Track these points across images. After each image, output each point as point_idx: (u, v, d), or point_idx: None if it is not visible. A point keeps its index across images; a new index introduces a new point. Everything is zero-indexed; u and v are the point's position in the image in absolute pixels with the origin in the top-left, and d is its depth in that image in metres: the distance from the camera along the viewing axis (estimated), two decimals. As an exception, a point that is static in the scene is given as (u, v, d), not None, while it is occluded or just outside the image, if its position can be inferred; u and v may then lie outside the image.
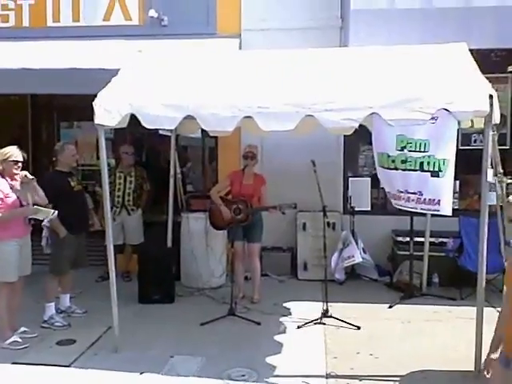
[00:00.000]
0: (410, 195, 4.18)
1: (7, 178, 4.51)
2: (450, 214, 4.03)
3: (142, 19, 6.84)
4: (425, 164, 4.02)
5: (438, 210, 4.06)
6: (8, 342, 4.52)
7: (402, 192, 4.24)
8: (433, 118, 3.89)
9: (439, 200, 4.03)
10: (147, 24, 6.78)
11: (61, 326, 4.98)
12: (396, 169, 4.20)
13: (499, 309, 4.10)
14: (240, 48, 6.46)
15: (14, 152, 4.54)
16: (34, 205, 4.57)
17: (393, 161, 4.19)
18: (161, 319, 5.22)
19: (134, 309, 5.47)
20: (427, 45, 4.73)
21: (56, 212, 4.55)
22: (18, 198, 4.53)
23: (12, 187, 4.53)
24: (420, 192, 4.11)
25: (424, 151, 4.03)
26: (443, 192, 4.01)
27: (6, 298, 4.56)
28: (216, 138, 6.96)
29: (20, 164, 4.58)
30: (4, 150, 4.54)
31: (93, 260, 5.88)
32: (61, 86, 5.73)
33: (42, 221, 4.75)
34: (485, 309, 3.99)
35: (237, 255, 5.65)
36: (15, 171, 4.54)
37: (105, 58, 5.65)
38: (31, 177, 4.58)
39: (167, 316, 5.32)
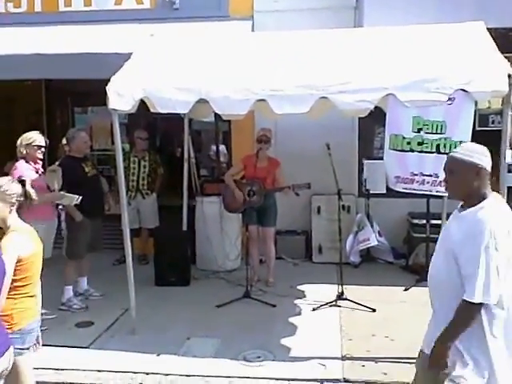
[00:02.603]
0: (425, 177, 4.14)
1: (31, 163, 4.58)
2: None
3: (154, 2, 6.79)
4: (441, 146, 3.97)
5: None
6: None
7: (415, 174, 4.18)
8: (449, 99, 3.83)
9: None
10: (159, 7, 6.74)
11: (79, 309, 5.07)
12: (412, 151, 4.14)
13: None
14: (252, 30, 6.40)
15: (37, 137, 4.62)
16: (59, 191, 4.66)
17: (408, 142, 4.14)
18: (177, 301, 5.28)
19: (151, 291, 5.53)
20: (444, 24, 4.63)
21: (80, 197, 4.62)
22: (44, 181, 4.62)
23: (37, 171, 4.61)
24: (436, 174, 4.06)
25: (440, 133, 3.99)
26: None
27: None
28: (229, 121, 6.93)
29: (43, 149, 4.65)
30: (27, 134, 4.61)
31: (110, 244, 5.95)
32: (74, 71, 5.75)
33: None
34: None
35: (251, 239, 5.66)
36: (38, 155, 4.62)
37: (117, 42, 5.63)
38: (58, 167, 4.71)
39: (183, 298, 5.37)
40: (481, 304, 2.13)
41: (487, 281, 2.11)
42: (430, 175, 4.11)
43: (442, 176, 4.04)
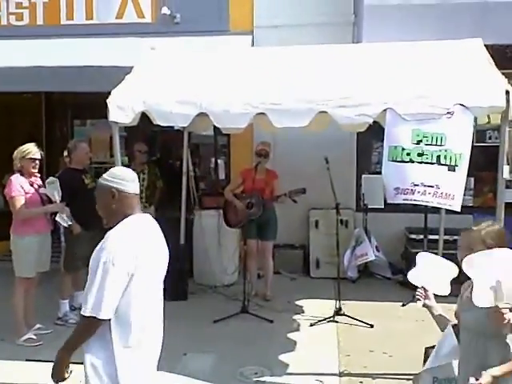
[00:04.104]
0: (426, 188, 4.07)
1: (27, 176, 4.58)
2: (459, 210, 3.97)
3: (155, 16, 6.86)
4: (441, 157, 3.95)
5: (451, 206, 3.99)
6: (23, 338, 4.56)
7: (417, 185, 4.11)
8: (449, 113, 3.85)
9: (454, 195, 3.97)
10: (160, 21, 6.80)
11: (75, 324, 4.99)
12: (412, 161, 4.10)
13: None
14: (252, 45, 6.45)
15: (31, 149, 4.60)
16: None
17: (408, 154, 4.09)
18: (174, 316, 5.15)
19: (147, 306, 5.48)
20: (442, 41, 4.68)
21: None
22: (39, 194, 4.61)
23: (32, 184, 4.59)
24: (437, 185, 4.01)
25: (441, 145, 3.97)
26: (457, 187, 3.96)
27: (24, 294, 4.60)
28: (228, 135, 6.95)
29: (37, 162, 4.63)
30: (23, 147, 4.60)
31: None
32: (74, 84, 5.77)
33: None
34: (500, 307, 3.93)
35: (250, 253, 5.64)
36: (33, 170, 4.60)
37: (118, 55, 5.67)
38: (55, 178, 4.71)
39: (180, 313, 5.31)
40: (96, 318, 2.14)
41: (100, 295, 2.13)
42: (432, 186, 4.05)
43: (443, 187, 4.06)
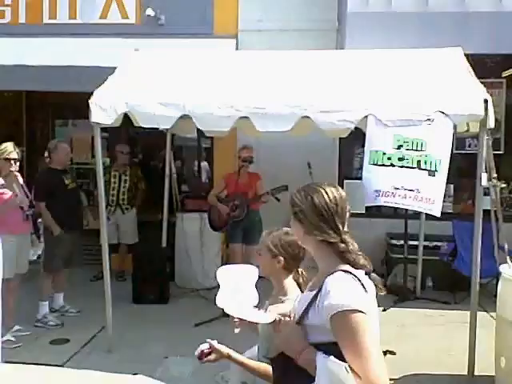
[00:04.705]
0: (406, 192, 4.11)
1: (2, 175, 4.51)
2: (439, 215, 4.02)
3: (139, 18, 6.83)
4: (422, 162, 4.01)
5: (431, 210, 4.03)
6: (1, 340, 4.48)
7: (397, 188, 4.14)
8: (429, 120, 3.91)
9: (434, 200, 4.03)
10: (144, 23, 6.77)
11: (54, 325, 4.96)
12: (392, 165, 4.14)
13: (492, 313, 4.13)
14: (237, 48, 6.46)
15: (8, 149, 4.52)
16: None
17: (389, 158, 4.13)
18: (155, 319, 5.21)
19: (128, 309, 5.44)
20: (423, 49, 4.75)
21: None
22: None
23: (3, 185, 4.52)
24: (417, 190, 4.06)
25: (421, 150, 4.03)
26: (437, 192, 4.02)
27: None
28: (212, 138, 6.95)
29: (13, 161, 4.56)
30: (0, 146, 4.53)
31: (87, 259, 5.86)
32: (56, 84, 5.71)
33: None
34: (478, 313, 4.01)
35: (234, 257, 5.62)
36: (10, 168, 4.53)
37: (101, 55, 5.63)
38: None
39: (161, 316, 5.30)
40: None
41: None
42: (412, 190, 4.08)
43: (424, 192, 4.12)
